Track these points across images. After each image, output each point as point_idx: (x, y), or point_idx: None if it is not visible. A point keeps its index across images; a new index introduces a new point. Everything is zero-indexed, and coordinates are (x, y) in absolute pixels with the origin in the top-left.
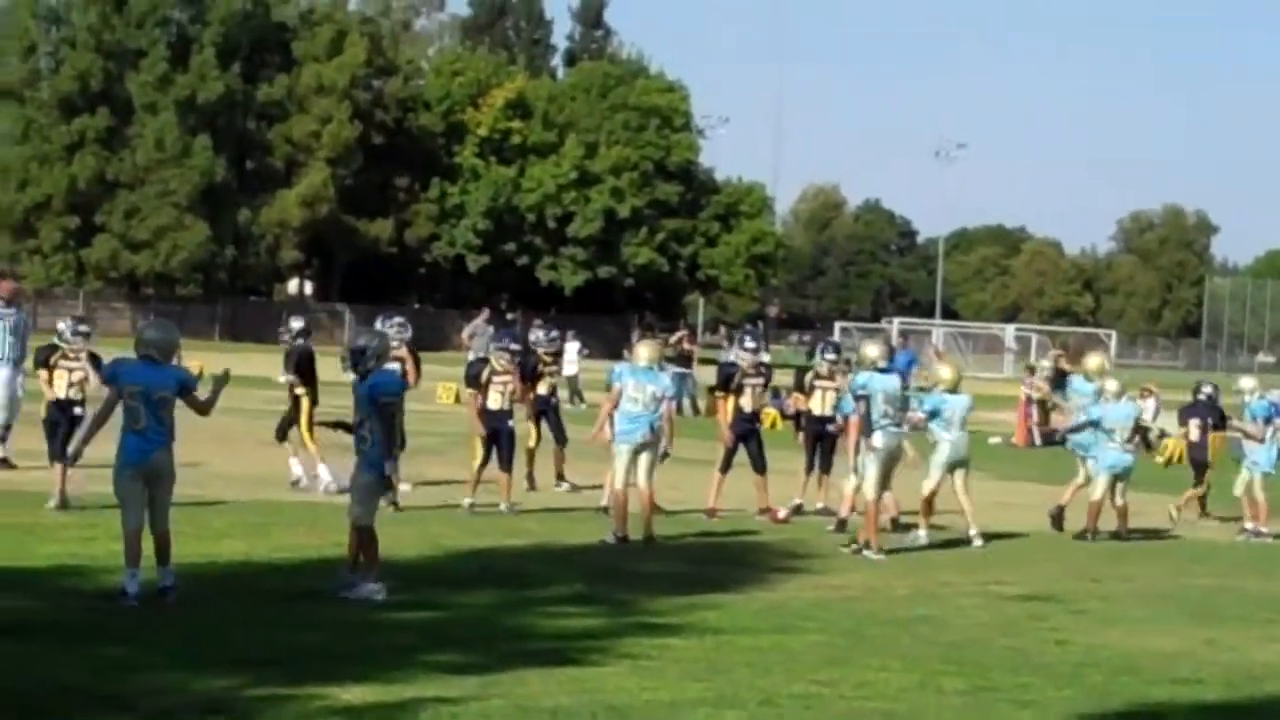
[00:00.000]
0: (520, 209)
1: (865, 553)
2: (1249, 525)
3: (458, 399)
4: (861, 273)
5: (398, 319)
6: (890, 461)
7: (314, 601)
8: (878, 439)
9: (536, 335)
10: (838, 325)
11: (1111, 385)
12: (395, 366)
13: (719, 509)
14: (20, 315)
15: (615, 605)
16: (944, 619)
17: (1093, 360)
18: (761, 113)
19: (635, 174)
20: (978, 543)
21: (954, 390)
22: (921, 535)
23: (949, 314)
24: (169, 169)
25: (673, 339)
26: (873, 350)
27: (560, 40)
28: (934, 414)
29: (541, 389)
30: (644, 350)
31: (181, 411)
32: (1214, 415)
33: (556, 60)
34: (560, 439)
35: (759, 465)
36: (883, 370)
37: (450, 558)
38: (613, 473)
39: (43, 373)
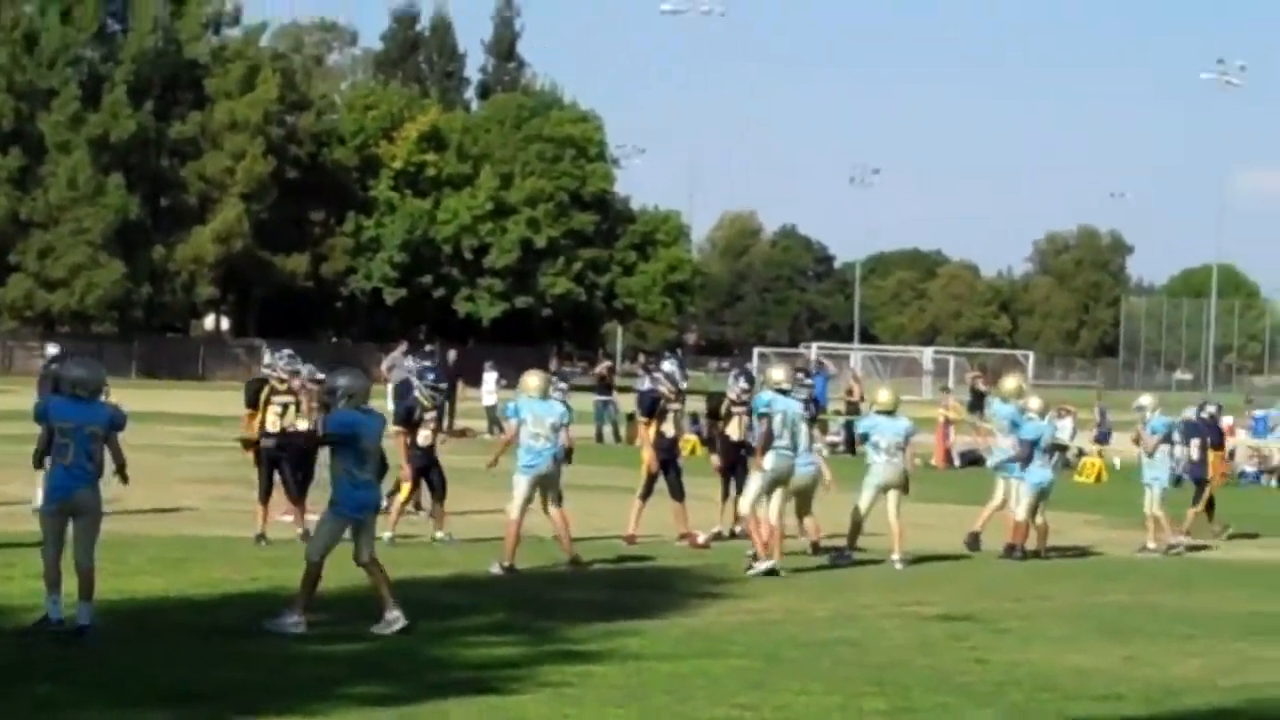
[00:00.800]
0: (436, 241)
1: (756, 565)
2: (1151, 544)
3: None
4: (779, 299)
5: (287, 351)
6: (776, 483)
7: (235, 636)
8: (768, 460)
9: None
10: (756, 351)
11: (1035, 403)
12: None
13: (638, 535)
14: None
15: (536, 634)
16: (865, 640)
17: (1009, 382)
18: (676, 141)
19: (551, 204)
20: (898, 566)
21: (889, 413)
22: (895, 558)
23: (867, 338)
24: (83, 207)
25: (597, 369)
26: (778, 373)
27: (473, 73)
28: (865, 436)
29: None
30: (532, 380)
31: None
32: (1214, 434)
33: (470, 93)
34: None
35: (677, 492)
36: (784, 393)
37: (370, 590)
38: (511, 503)
39: (248, 411)
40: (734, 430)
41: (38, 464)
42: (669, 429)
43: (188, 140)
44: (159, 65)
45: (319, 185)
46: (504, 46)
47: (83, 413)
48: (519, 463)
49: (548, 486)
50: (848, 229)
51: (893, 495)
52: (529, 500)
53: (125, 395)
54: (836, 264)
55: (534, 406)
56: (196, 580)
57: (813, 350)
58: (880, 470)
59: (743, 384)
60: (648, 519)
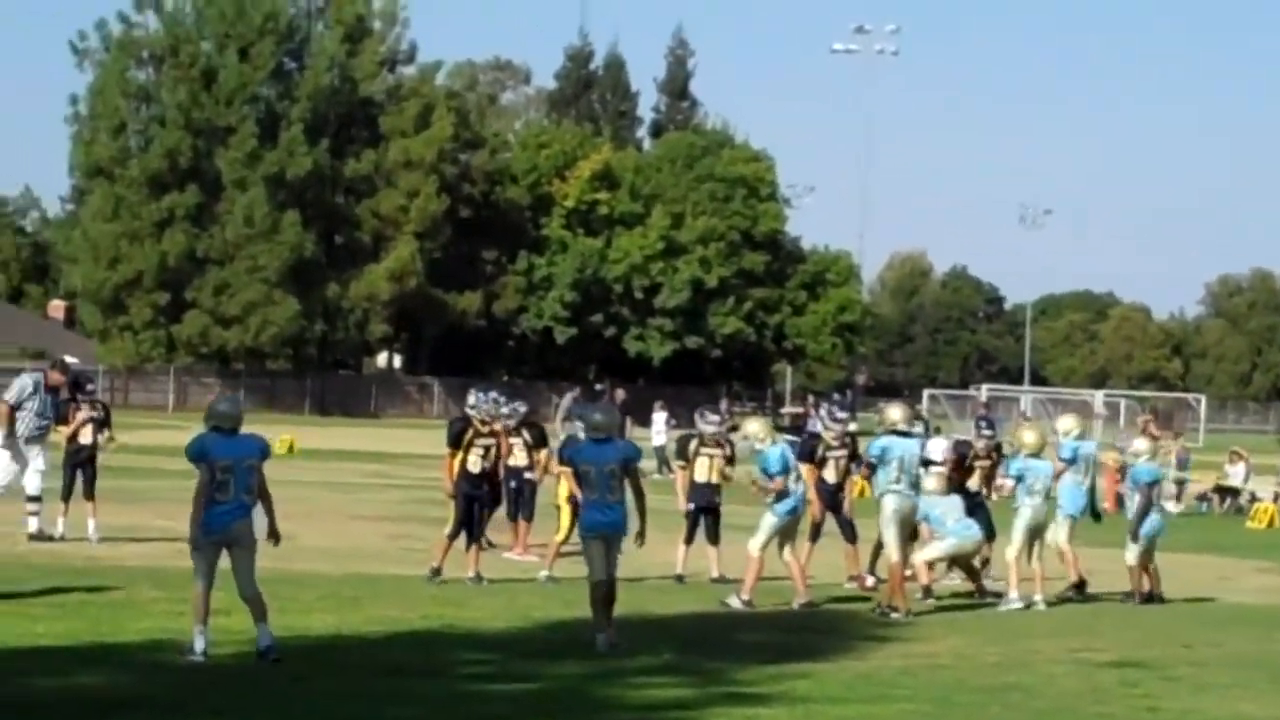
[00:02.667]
0: (607, 280)
1: (893, 615)
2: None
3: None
4: (949, 340)
5: (494, 394)
6: (906, 524)
7: (405, 675)
8: (890, 502)
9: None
10: (926, 393)
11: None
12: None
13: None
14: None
15: (704, 675)
16: (1034, 686)
17: (1028, 435)
18: (848, 181)
19: (722, 244)
20: (1041, 607)
21: (1036, 455)
22: (1014, 597)
23: (1037, 380)
24: (258, 245)
25: (784, 410)
26: (895, 413)
27: (646, 112)
28: (1019, 479)
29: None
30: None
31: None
32: None
33: (642, 132)
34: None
35: (849, 535)
36: (903, 434)
37: (540, 628)
38: (754, 539)
39: (450, 450)
40: (829, 473)
41: (202, 503)
42: (830, 475)
43: (362, 178)
44: (335, 103)
45: (491, 224)
46: (677, 85)
47: (237, 448)
48: (780, 506)
49: (790, 532)
50: (1018, 270)
51: (1038, 539)
52: (770, 541)
53: (298, 431)
54: (1007, 305)
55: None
56: (369, 618)
57: (982, 392)
58: (1029, 513)
59: (987, 431)
60: (818, 561)
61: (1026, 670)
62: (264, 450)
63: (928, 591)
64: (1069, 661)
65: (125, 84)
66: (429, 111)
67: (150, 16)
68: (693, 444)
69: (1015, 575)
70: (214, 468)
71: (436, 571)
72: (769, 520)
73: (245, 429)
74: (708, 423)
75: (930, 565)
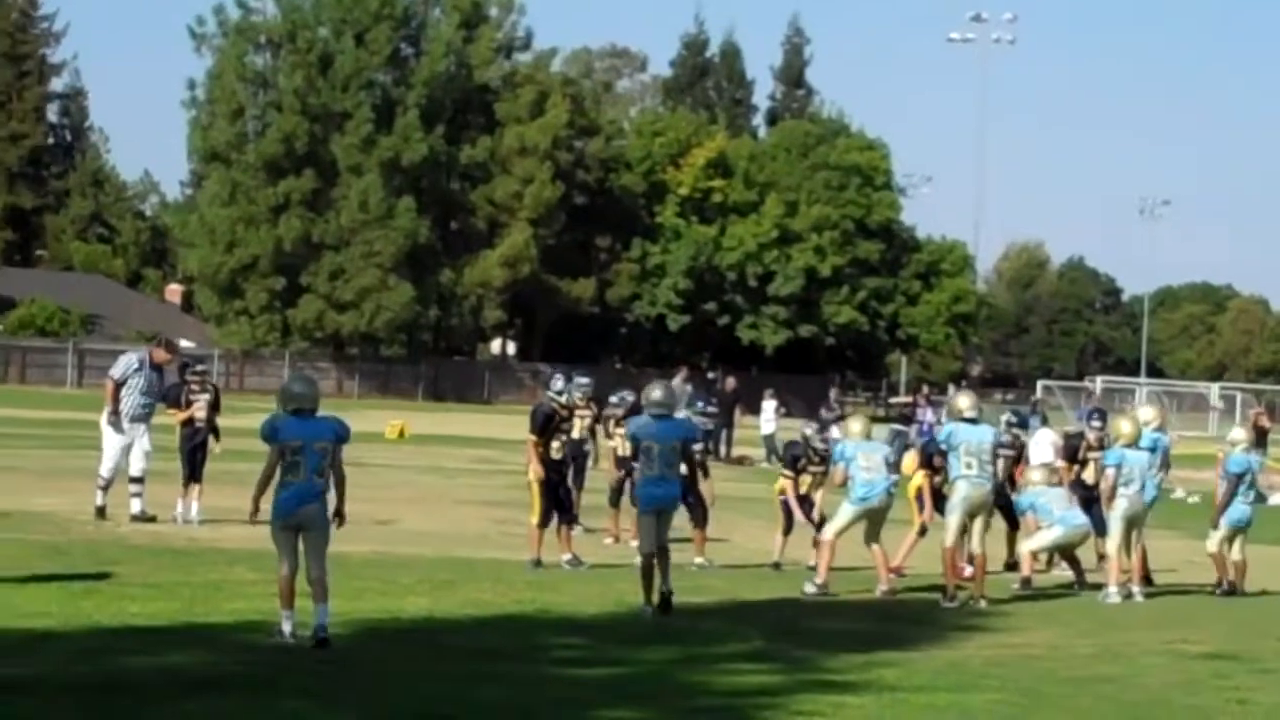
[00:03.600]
0: (721, 268)
1: (944, 604)
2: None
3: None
4: (1066, 331)
5: (584, 380)
6: (973, 511)
7: (495, 658)
8: (960, 488)
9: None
10: (1040, 384)
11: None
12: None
13: (903, 568)
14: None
15: (792, 662)
16: (1126, 678)
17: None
18: (964, 171)
19: (836, 232)
20: (1139, 598)
21: (1133, 445)
22: (1112, 591)
23: (1154, 372)
24: (373, 230)
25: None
26: (963, 401)
27: (761, 100)
28: (1118, 468)
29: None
30: (856, 425)
31: (382, 473)
32: None
33: (757, 119)
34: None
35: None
36: (971, 421)
37: (633, 614)
38: (830, 525)
39: (534, 440)
40: (1089, 475)
41: (264, 485)
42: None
43: (477, 164)
44: (450, 89)
45: (605, 211)
46: (793, 73)
47: (309, 429)
48: (852, 494)
49: (876, 520)
50: (1136, 261)
51: (1134, 529)
52: (847, 529)
53: (411, 417)
54: (1124, 297)
55: (861, 447)
56: (463, 601)
57: (1097, 384)
58: (1125, 504)
59: (1096, 423)
60: (918, 551)
61: (1119, 662)
62: (339, 432)
63: (1027, 582)
64: (1162, 653)
65: (243, 69)
66: (544, 98)
67: (268, 2)
68: (801, 460)
69: (1115, 569)
70: (284, 448)
71: (537, 562)
72: (845, 508)
73: (359, 412)
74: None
75: (1034, 555)
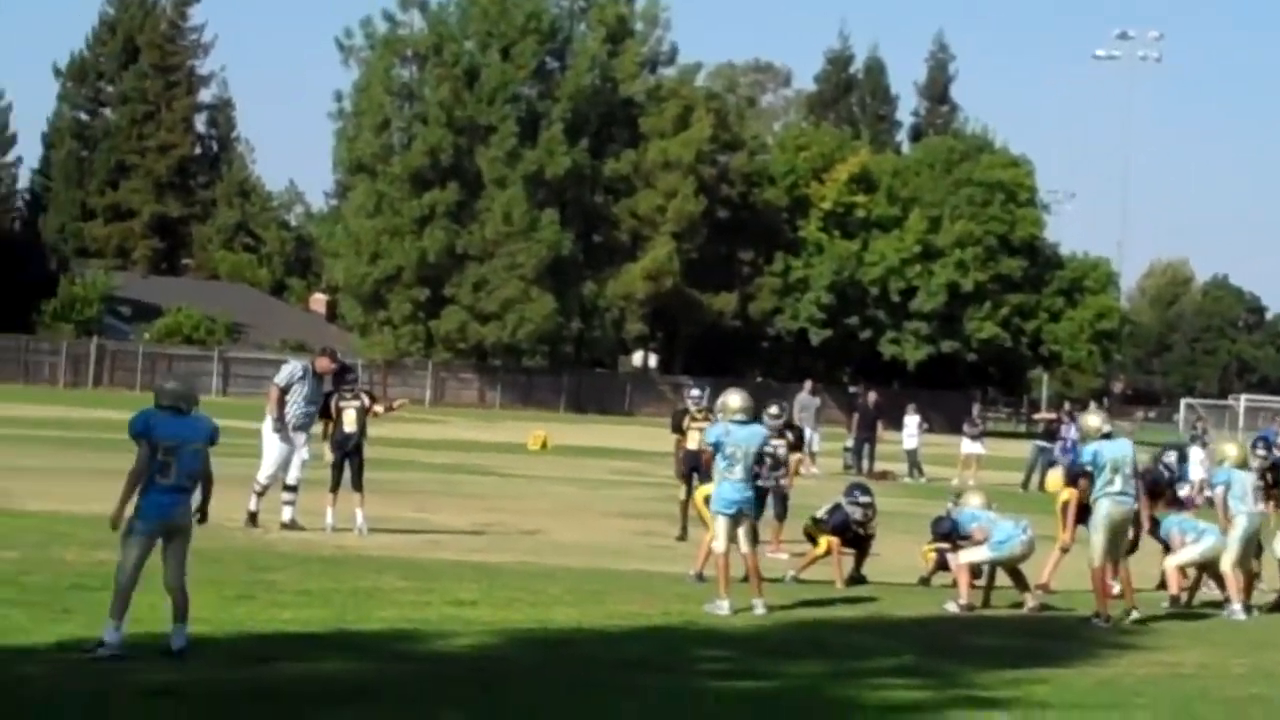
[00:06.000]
0: (863, 283)
1: (1095, 621)
2: None
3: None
4: (1209, 349)
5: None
6: (1116, 530)
7: (641, 669)
8: (1102, 506)
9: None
10: (1184, 402)
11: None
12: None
13: (1049, 585)
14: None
15: (942, 678)
16: (1278, 699)
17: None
18: (1108, 188)
19: (979, 248)
20: (1240, 616)
21: (1242, 466)
22: (1237, 609)
23: None
24: (517, 242)
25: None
26: (1094, 420)
27: (905, 115)
28: (1227, 487)
29: (690, 444)
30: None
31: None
32: None
33: (901, 135)
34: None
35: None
36: (1107, 436)
37: (781, 627)
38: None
39: (676, 438)
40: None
41: (134, 484)
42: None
43: (621, 178)
44: (595, 103)
45: (748, 225)
46: (937, 89)
47: (184, 429)
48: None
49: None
50: None
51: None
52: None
53: (553, 428)
54: (1268, 315)
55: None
56: (610, 612)
57: (1241, 402)
58: (1244, 520)
59: (1260, 452)
60: (1065, 569)
61: (1272, 683)
62: (212, 434)
63: (1175, 600)
64: None
65: (389, 81)
66: (688, 113)
67: (415, 15)
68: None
69: (1235, 584)
70: (156, 447)
71: (700, 577)
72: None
73: (502, 423)
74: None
75: (1183, 572)
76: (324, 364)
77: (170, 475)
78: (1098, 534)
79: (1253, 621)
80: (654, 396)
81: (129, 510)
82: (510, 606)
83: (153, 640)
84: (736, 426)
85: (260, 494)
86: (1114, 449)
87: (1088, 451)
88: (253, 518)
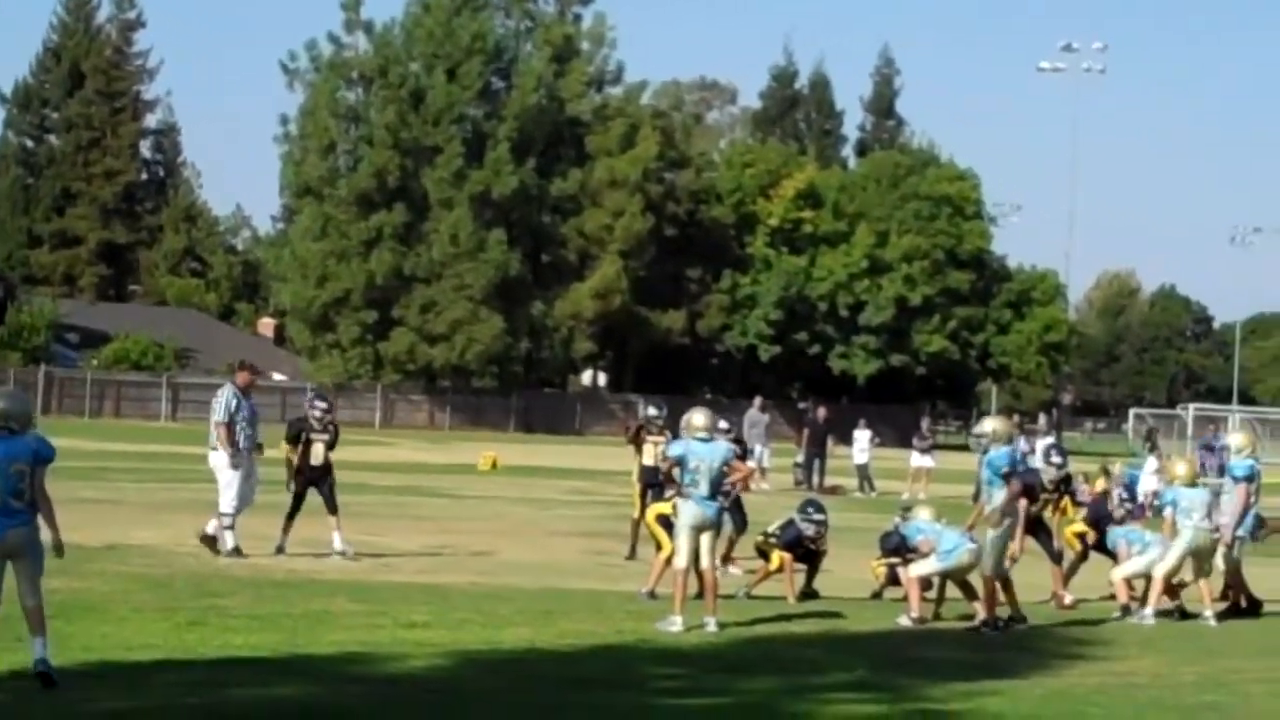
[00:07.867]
0: (811, 298)
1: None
2: None
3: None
4: (1157, 359)
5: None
6: (1198, 555)
7: (596, 688)
8: (1186, 533)
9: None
10: (1132, 412)
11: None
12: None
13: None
14: (252, 405)
15: (896, 691)
16: (1231, 706)
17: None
18: (1055, 200)
19: (926, 262)
20: (1212, 623)
21: (1191, 485)
22: (1148, 613)
23: (1246, 400)
24: (464, 263)
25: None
26: (1183, 468)
27: (851, 130)
28: (1174, 505)
29: (646, 459)
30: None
31: (476, 504)
32: None
33: (847, 150)
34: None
35: (1054, 557)
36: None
37: (734, 643)
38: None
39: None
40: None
41: None
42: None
43: (568, 197)
44: (541, 123)
45: (696, 242)
46: (883, 104)
47: (7, 449)
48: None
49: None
50: (1227, 289)
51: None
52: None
53: (502, 449)
54: (1216, 324)
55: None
56: (562, 631)
57: (1189, 412)
58: (1191, 534)
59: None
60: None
61: (1224, 690)
62: (39, 453)
63: (1126, 610)
64: (1267, 681)
65: (334, 104)
66: (634, 131)
67: (360, 37)
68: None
69: (1158, 593)
70: None
71: (651, 594)
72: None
73: (451, 444)
74: (1052, 465)
75: (1129, 583)
76: (244, 378)
77: None
78: (1175, 553)
79: (1214, 628)
80: (604, 415)
81: None
82: (462, 628)
83: (107, 668)
84: (699, 443)
85: (231, 526)
86: (1194, 495)
87: (1169, 496)
88: (237, 550)
